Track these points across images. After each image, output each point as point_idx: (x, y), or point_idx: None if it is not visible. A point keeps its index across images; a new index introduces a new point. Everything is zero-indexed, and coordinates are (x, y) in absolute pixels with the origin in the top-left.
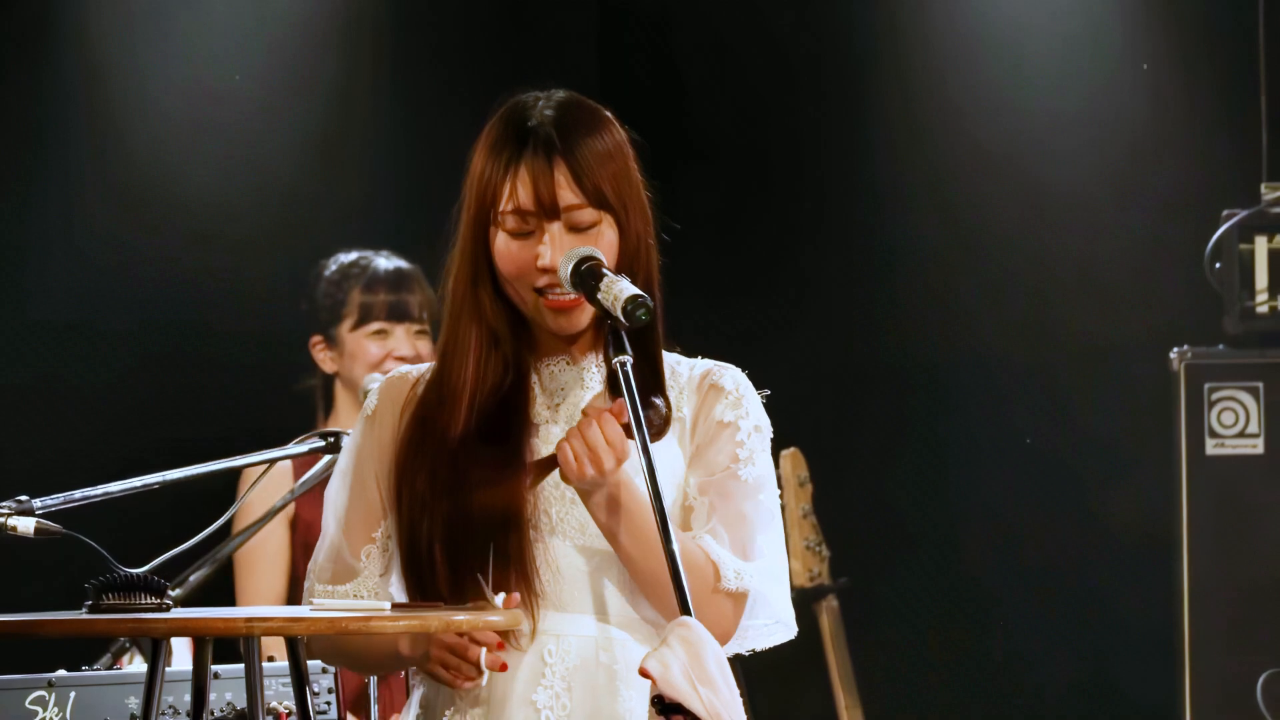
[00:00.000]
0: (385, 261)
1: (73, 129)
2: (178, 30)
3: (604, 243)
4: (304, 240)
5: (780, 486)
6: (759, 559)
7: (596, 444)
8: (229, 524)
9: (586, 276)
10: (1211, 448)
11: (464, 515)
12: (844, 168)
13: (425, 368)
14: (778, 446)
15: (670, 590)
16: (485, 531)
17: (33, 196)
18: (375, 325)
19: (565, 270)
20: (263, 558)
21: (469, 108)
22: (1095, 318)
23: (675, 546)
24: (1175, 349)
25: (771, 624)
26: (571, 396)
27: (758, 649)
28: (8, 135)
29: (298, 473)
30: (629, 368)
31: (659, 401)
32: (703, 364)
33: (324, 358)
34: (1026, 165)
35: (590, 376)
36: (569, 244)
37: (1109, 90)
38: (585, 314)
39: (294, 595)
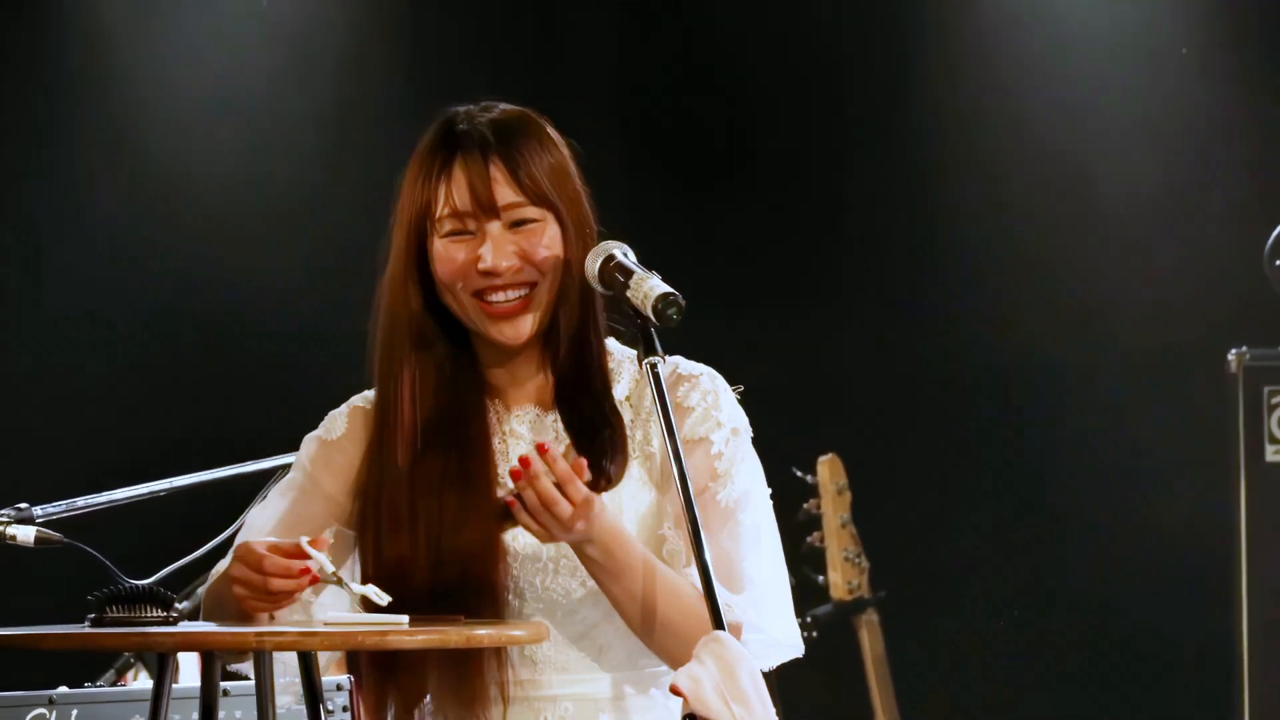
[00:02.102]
0: None
1: (82, 115)
2: (191, 14)
3: (547, 239)
4: (325, 231)
5: (818, 494)
6: (748, 588)
7: (556, 506)
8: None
9: (615, 272)
10: (1271, 454)
11: (439, 576)
12: (888, 166)
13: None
14: (816, 453)
15: (677, 632)
16: (462, 593)
17: (41, 186)
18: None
19: (592, 266)
20: None
21: (490, 93)
22: (1150, 318)
23: (708, 556)
24: (1233, 350)
25: (772, 646)
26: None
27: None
28: (16, 122)
29: None
30: (659, 369)
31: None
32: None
33: None
34: (1080, 163)
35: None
36: (510, 243)
37: (1165, 86)
38: (529, 322)
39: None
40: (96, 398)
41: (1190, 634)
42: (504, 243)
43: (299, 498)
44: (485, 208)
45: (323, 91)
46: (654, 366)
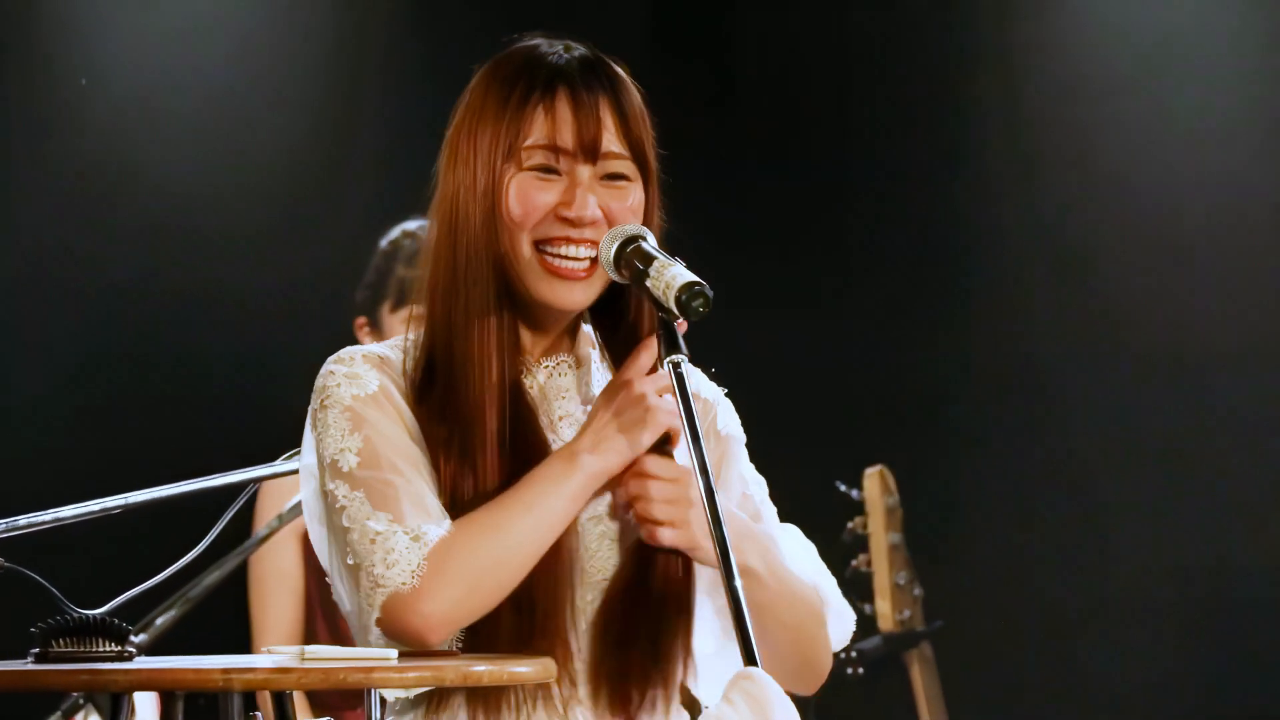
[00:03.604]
0: None
1: (7, 90)
2: None
3: (634, 202)
4: (287, 218)
5: (864, 511)
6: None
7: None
8: (206, 555)
9: (634, 259)
10: None
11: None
12: (938, 144)
13: (384, 353)
14: (863, 464)
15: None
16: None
17: None
18: (416, 309)
19: (608, 251)
20: (271, 585)
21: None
22: (1241, 315)
23: (738, 582)
24: None
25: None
26: (571, 407)
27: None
28: None
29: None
30: (684, 369)
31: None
32: None
33: (368, 343)
34: (1163, 143)
35: (594, 378)
36: (597, 195)
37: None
38: (593, 289)
39: (310, 630)
40: (41, 404)
41: None
42: (591, 193)
43: (406, 457)
44: (587, 150)
45: (287, 78)
46: (677, 366)
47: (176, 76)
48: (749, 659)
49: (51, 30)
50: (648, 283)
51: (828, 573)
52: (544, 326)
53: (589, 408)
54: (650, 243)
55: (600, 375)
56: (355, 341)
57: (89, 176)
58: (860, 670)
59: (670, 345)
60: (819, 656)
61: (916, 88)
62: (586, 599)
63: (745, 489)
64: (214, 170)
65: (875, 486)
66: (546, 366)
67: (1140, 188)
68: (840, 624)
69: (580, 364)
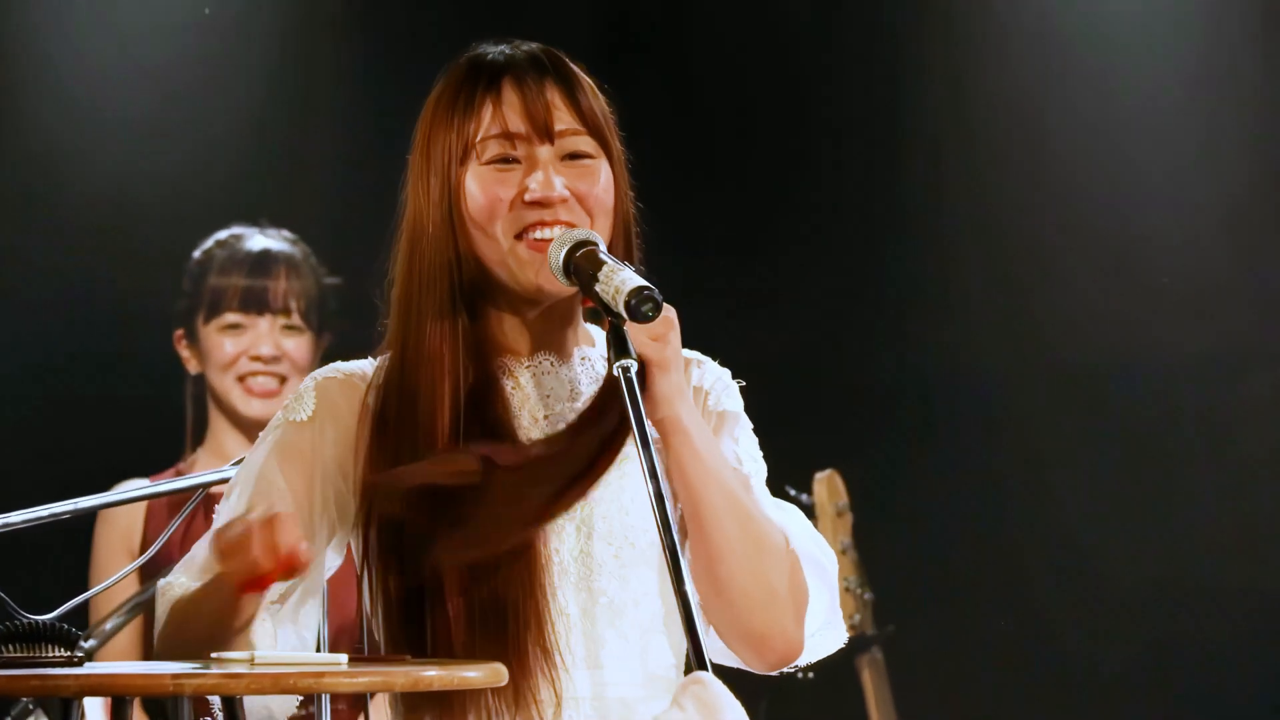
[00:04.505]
0: (259, 240)
1: None
2: None
3: (604, 181)
4: (236, 214)
5: (814, 515)
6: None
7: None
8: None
9: (583, 264)
10: None
11: (477, 564)
12: (895, 147)
13: (360, 369)
14: (813, 469)
15: (761, 568)
16: (498, 581)
17: None
18: (228, 317)
19: (557, 257)
20: (101, 604)
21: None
22: (1201, 325)
23: (689, 587)
24: None
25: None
26: (561, 406)
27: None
28: None
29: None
30: (634, 374)
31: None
32: None
33: (187, 356)
34: (1124, 146)
35: (584, 376)
36: (562, 176)
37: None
38: None
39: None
40: None
41: (1258, 680)
42: (555, 172)
43: (267, 493)
44: (540, 130)
45: (227, 78)
46: (627, 371)
47: (120, 77)
48: (700, 663)
49: None
50: (597, 288)
51: (825, 562)
52: (527, 323)
53: (575, 405)
54: (600, 247)
55: (593, 372)
56: (178, 355)
57: (27, 178)
58: (810, 674)
59: (620, 350)
60: (781, 625)
61: (866, 92)
62: (569, 600)
63: (737, 463)
64: (157, 173)
65: (825, 491)
66: (529, 366)
67: (1088, 190)
68: (829, 625)
69: (565, 360)
